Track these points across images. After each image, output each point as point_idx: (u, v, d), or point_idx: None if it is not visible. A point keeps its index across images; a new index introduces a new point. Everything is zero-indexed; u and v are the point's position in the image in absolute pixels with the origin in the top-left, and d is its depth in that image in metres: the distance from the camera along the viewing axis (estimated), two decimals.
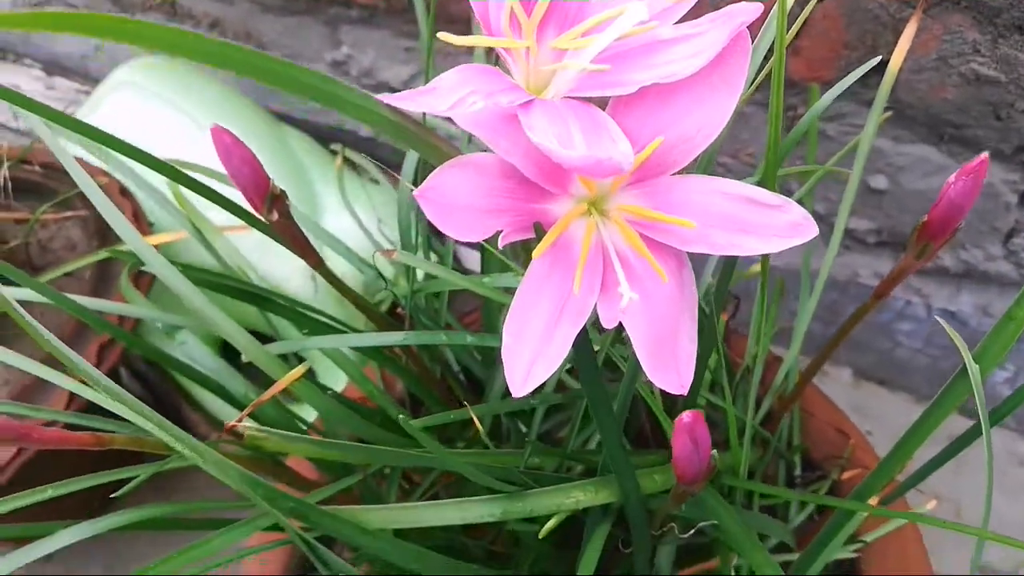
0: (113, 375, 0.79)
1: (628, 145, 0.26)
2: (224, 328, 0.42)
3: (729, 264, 0.39)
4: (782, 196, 0.28)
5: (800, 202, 0.30)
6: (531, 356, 0.28)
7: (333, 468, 0.46)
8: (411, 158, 0.59)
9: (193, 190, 0.36)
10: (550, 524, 0.35)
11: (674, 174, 0.29)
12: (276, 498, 0.35)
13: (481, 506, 0.36)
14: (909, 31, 0.50)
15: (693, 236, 0.28)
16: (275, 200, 0.36)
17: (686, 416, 0.25)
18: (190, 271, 0.44)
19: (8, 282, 0.40)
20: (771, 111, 0.38)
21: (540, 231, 0.29)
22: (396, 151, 0.56)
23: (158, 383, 1.00)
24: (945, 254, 0.83)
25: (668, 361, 0.29)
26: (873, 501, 0.48)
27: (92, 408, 0.35)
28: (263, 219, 0.37)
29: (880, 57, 0.54)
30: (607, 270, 0.29)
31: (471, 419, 0.40)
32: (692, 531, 0.41)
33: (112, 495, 0.36)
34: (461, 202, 0.27)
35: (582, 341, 0.31)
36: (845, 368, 0.99)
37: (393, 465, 0.44)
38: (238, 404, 0.52)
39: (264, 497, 0.34)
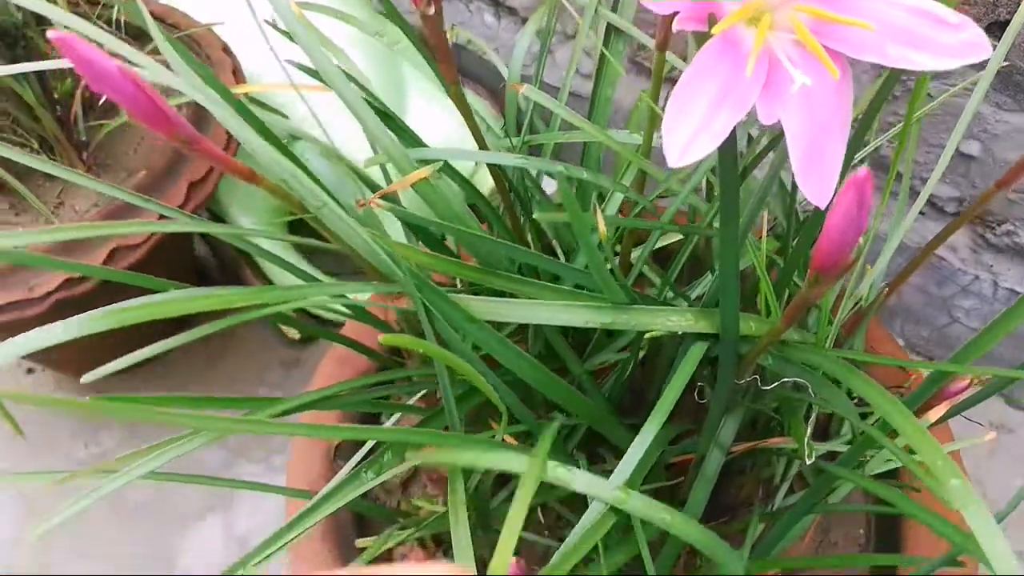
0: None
1: None
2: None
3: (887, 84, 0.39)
4: (961, 15, 0.29)
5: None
6: (692, 130, 0.29)
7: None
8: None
9: None
10: (652, 333, 0.36)
11: None
12: (399, 261, 0.36)
13: (591, 312, 0.38)
14: None
15: (867, 43, 0.29)
16: None
17: (861, 170, 0.26)
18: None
19: None
20: None
21: (713, 21, 0.30)
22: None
23: (223, 250, 1.02)
24: (1022, 231, 0.83)
25: (816, 168, 0.30)
26: (935, 415, 0.49)
27: None
28: (421, 10, 0.38)
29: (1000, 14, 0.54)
30: (771, 70, 0.30)
31: None
32: (776, 384, 0.42)
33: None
34: None
35: (729, 140, 0.32)
36: (898, 339, 0.99)
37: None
38: (300, 274, 0.53)
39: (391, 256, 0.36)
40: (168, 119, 0.29)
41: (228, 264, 1.02)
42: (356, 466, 0.44)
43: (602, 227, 0.35)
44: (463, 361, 0.32)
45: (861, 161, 0.62)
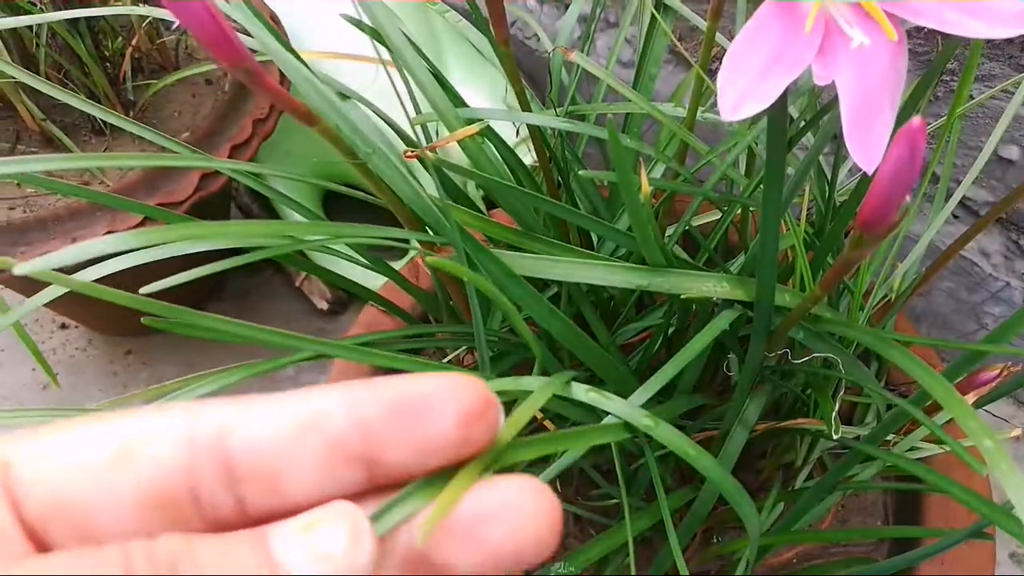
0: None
1: None
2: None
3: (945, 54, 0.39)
4: None
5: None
6: (744, 88, 0.30)
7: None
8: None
9: None
10: (689, 294, 0.37)
11: None
12: (447, 212, 0.37)
13: (629, 273, 0.38)
14: None
15: (925, 8, 0.30)
16: None
17: (915, 120, 0.26)
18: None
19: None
20: None
21: None
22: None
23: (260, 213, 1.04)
24: None
25: (866, 133, 0.31)
26: (970, 399, 0.49)
27: None
28: None
29: None
30: (827, 33, 0.31)
31: None
32: (806, 360, 0.42)
33: None
34: None
35: (779, 101, 0.33)
36: None
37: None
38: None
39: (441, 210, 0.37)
40: (234, 45, 0.29)
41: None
42: None
43: (646, 186, 0.35)
44: (507, 301, 0.32)
45: None
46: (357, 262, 0.51)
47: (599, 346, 0.42)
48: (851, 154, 0.31)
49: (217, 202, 0.91)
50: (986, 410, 0.60)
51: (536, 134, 0.48)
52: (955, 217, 0.89)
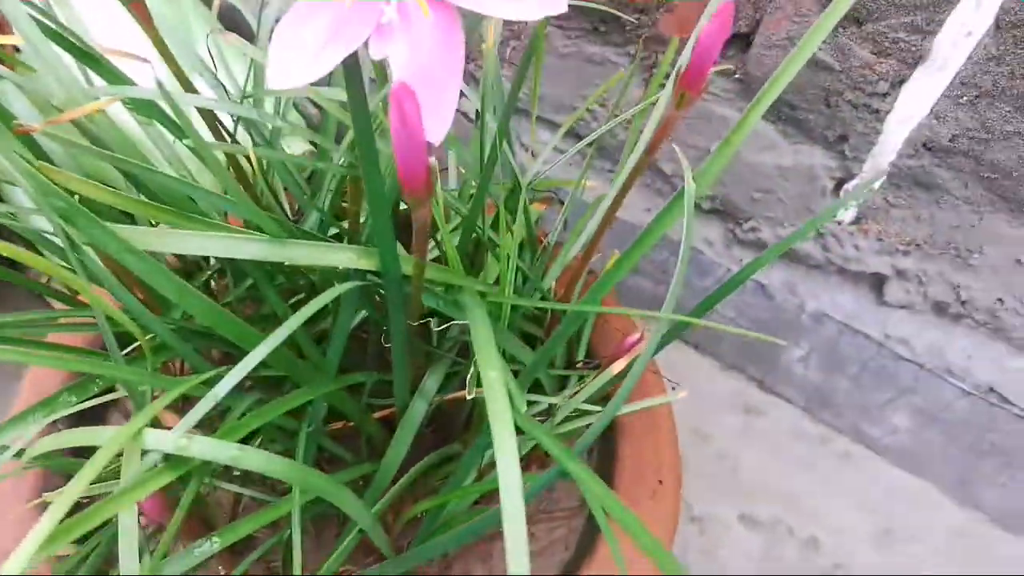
0: None
1: None
2: None
3: None
4: None
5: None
6: (296, 60, 0.31)
7: None
8: None
9: None
10: (319, 264, 0.38)
11: None
12: (49, 195, 0.36)
13: (249, 244, 0.39)
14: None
15: None
16: None
17: (395, 83, 0.28)
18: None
19: None
20: None
21: None
22: None
23: None
24: (764, 228, 0.91)
25: (428, 108, 0.33)
26: (619, 367, 0.54)
27: None
28: None
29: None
30: (384, 15, 0.33)
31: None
32: (447, 325, 0.45)
33: None
34: None
35: (355, 69, 0.35)
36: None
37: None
38: None
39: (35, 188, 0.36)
40: None
41: None
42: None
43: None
44: (83, 281, 0.32)
45: (591, 144, 0.67)
46: None
47: (238, 320, 0.42)
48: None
49: None
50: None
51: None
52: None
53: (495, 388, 0.28)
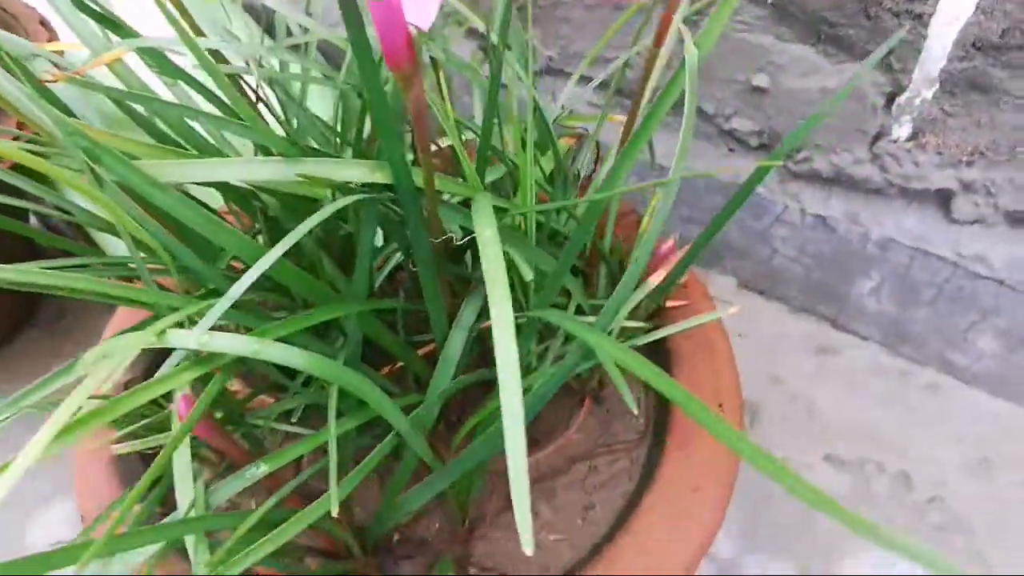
0: None
1: None
2: None
3: None
4: None
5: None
6: None
7: None
8: None
9: None
10: (330, 200, 0.39)
11: None
12: (76, 134, 0.38)
13: (266, 165, 0.40)
14: None
15: None
16: None
17: None
18: None
19: None
20: None
21: None
22: None
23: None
24: (817, 157, 0.88)
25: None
26: (656, 278, 0.52)
27: None
28: None
29: None
30: None
31: None
32: (469, 237, 0.45)
33: None
34: None
35: None
36: (730, 277, 1.04)
37: None
38: None
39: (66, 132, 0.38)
40: None
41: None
42: None
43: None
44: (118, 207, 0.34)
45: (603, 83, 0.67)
46: None
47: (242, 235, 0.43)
48: (404, 13, 0.34)
49: None
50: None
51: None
52: (731, 150, 0.94)
53: (490, 245, 0.28)
